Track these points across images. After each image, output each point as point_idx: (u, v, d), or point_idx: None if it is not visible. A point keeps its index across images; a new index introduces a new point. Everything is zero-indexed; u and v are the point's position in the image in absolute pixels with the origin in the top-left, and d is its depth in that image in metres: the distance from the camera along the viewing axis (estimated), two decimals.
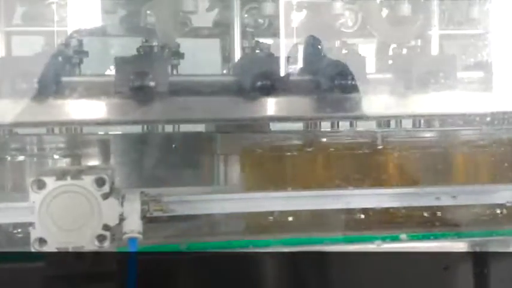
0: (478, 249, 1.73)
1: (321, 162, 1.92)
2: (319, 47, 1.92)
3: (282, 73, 1.82)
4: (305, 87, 1.81)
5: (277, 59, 1.85)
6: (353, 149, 1.92)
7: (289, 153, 1.91)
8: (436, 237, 1.76)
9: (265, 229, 1.79)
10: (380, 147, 1.94)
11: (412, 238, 1.75)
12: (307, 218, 1.80)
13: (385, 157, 1.94)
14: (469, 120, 1.95)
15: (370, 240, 1.73)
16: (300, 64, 1.98)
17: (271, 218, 1.81)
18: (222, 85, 1.81)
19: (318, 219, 1.80)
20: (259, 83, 1.72)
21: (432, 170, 1.93)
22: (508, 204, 1.77)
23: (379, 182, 1.89)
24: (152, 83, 1.68)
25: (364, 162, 1.92)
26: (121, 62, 1.72)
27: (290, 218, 1.82)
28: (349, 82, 1.75)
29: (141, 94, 1.69)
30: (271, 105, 1.80)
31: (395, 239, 1.74)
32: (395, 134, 2.01)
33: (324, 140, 1.96)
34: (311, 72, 1.87)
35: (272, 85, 1.71)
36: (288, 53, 2.01)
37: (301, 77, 1.88)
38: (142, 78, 1.66)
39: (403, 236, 1.74)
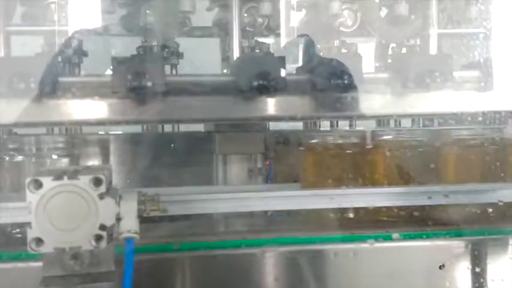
0: (471, 248, 1.73)
1: (381, 160, 1.96)
2: (312, 46, 1.92)
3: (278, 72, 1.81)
4: (299, 87, 1.80)
5: (273, 57, 1.85)
6: (414, 147, 1.96)
7: (349, 151, 1.95)
8: (428, 237, 1.76)
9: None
10: (438, 145, 1.97)
11: (405, 237, 1.76)
12: None
13: (446, 154, 1.97)
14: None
15: (363, 239, 1.74)
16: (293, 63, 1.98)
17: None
18: (220, 85, 1.81)
19: None
20: (255, 83, 1.71)
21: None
22: (500, 203, 1.77)
23: (442, 178, 1.92)
24: (149, 83, 1.67)
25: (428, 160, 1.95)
26: (118, 62, 1.72)
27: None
28: (344, 81, 1.74)
29: (138, 94, 1.69)
30: (267, 105, 1.80)
31: (388, 238, 1.75)
32: (451, 132, 2.01)
33: (383, 138, 1.99)
34: (305, 71, 1.87)
35: (268, 84, 1.71)
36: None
37: (296, 77, 1.88)
38: (139, 78, 1.66)
39: (395, 235, 1.74)
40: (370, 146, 1.97)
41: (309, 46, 1.93)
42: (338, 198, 1.71)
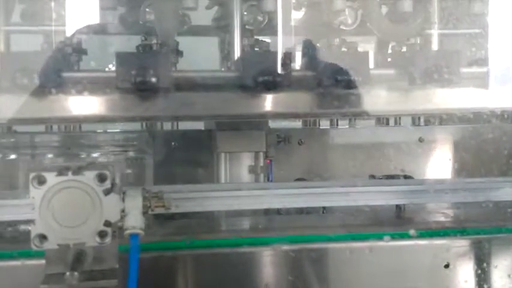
0: (484, 246, 1.73)
1: None
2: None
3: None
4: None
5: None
6: None
7: None
8: (446, 234, 1.75)
9: None
10: None
11: (422, 235, 1.74)
12: None
13: None
14: None
15: (379, 236, 1.72)
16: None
17: None
18: (223, 81, 1.80)
19: None
20: (261, 79, 1.70)
21: None
22: None
23: None
24: (154, 79, 1.65)
25: None
26: (122, 58, 1.70)
27: None
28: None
29: (143, 90, 1.67)
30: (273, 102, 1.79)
31: (404, 235, 1.74)
32: None
33: None
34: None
35: (276, 81, 1.70)
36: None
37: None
38: (144, 74, 1.64)
39: (412, 231, 1.73)
40: None
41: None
42: (352, 196, 1.70)
